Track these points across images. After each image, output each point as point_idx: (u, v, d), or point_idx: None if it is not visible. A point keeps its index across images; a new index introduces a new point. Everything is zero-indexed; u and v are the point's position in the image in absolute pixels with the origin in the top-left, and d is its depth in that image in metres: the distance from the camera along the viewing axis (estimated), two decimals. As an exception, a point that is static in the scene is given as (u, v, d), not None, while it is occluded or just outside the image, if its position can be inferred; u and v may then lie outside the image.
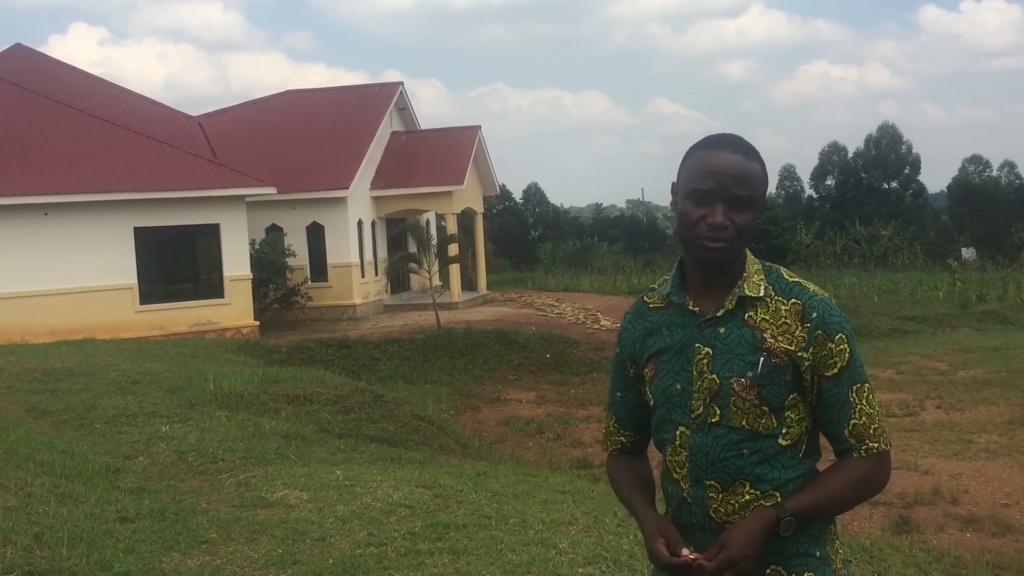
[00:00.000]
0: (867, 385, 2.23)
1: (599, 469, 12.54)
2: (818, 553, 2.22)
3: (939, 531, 8.89)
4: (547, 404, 18.25)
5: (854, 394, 2.20)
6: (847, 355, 2.19)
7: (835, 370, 2.19)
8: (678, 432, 2.29)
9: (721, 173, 2.20)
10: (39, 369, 13.29)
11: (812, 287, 2.25)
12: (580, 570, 5.04)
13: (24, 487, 6.22)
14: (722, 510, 2.22)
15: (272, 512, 6.21)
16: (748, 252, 2.31)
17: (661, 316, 2.36)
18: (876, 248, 51.00)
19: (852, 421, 2.20)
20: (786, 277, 2.28)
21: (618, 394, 2.50)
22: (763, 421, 2.20)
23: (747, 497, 2.20)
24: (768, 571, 2.19)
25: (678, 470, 2.30)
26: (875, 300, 34.34)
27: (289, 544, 5.51)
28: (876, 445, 2.20)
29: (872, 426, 2.20)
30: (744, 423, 2.20)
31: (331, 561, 5.20)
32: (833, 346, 2.19)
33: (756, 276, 2.27)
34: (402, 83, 34.82)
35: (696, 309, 2.29)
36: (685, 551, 2.17)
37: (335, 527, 5.83)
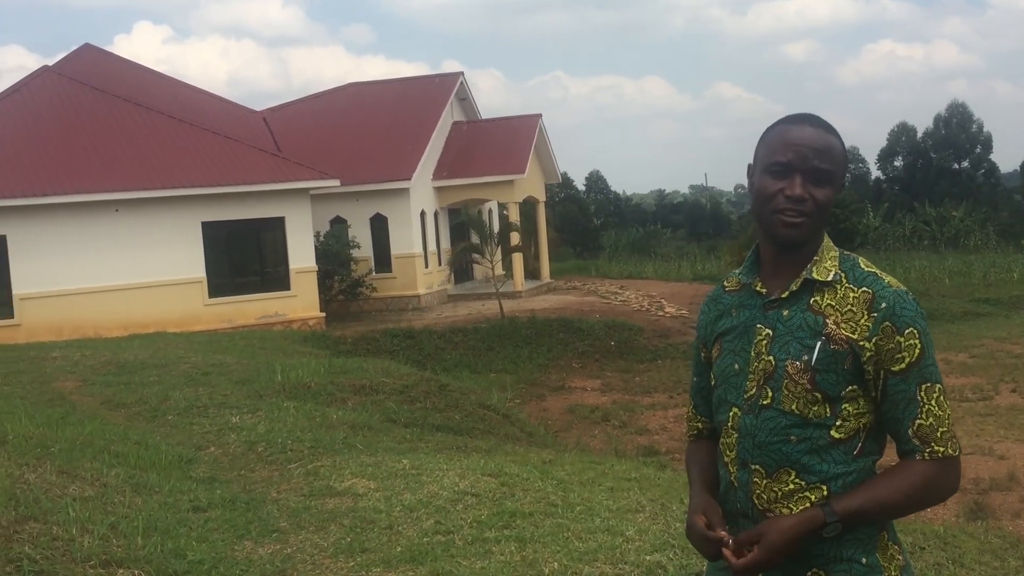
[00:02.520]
0: (939, 387, 2.12)
1: (665, 456, 12.49)
2: (864, 560, 2.12)
3: (1015, 517, 8.71)
4: (612, 392, 18.21)
5: (922, 393, 2.10)
6: (917, 351, 2.10)
7: (903, 365, 2.10)
8: (731, 413, 2.26)
9: (802, 145, 2.17)
10: (113, 362, 13.57)
11: (889, 279, 2.17)
12: (647, 557, 5.01)
13: (100, 477, 6.36)
14: (765, 497, 2.17)
15: (340, 501, 6.27)
16: (827, 238, 2.26)
17: (733, 298, 2.35)
18: (947, 230, 49.95)
19: (918, 421, 2.10)
20: (862, 266, 2.21)
21: (695, 379, 2.50)
22: (815, 408, 2.13)
23: (791, 486, 2.14)
24: (809, 574, 2.13)
25: (728, 452, 2.26)
26: (947, 283, 33.67)
27: (358, 532, 5.56)
28: (942, 449, 2.10)
29: (940, 429, 2.10)
30: (794, 408, 2.14)
31: (399, 549, 5.23)
32: (902, 340, 2.10)
33: (829, 262, 2.21)
34: (462, 73, 34.89)
35: (763, 290, 2.27)
36: (723, 533, 2.15)
37: (402, 515, 5.87)
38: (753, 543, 2.11)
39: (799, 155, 2.16)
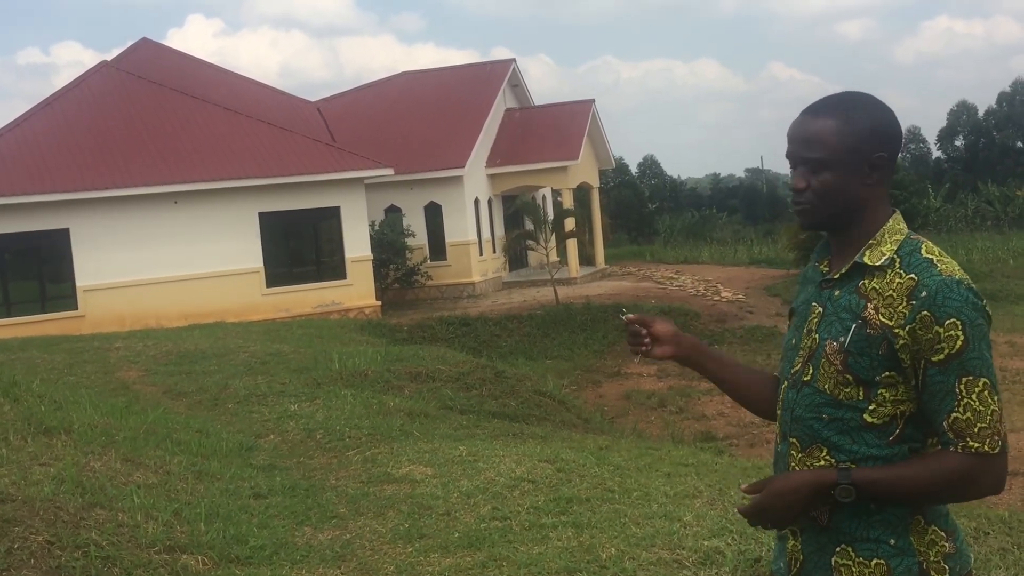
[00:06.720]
0: (983, 381, 2.04)
1: (723, 442, 12.42)
2: (893, 542, 2.11)
3: (1084, 502, 8.52)
4: (669, 377, 18.12)
5: (961, 386, 2.04)
6: (959, 343, 2.03)
7: (941, 356, 2.05)
8: (783, 386, 2.32)
9: (792, 138, 2.25)
10: (174, 352, 13.79)
11: (943, 267, 2.10)
12: (705, 543, 4.98)
13: (163, 465, 6.47)
14: (799, 469, 2.20)
15: (398, 487, 6.32)
16: (895, 220, 2.23)
17: (811, 275, 2.40)
18: (1011, 209, 48.84)
19: (954, 414, 2.05)
20: (923, 252, 2.15)
21: None
22: (847, 390, 2.13)
23: (822, 463, 2.16)
24: (838, 549, 2.15)
25: (778, 425, 2.33)
26: (1010, 264, 32.97)
27: (416, 518, 5.60)
28: (977, 445, 2.03)
29: (978, 424, 2.04)
30: (827, 387, 2.16)
31: (456, 535, 5.26)
32: (941, 331, 2.04)
33: (887, 245, 2.18)
34: (514, 60, 34.85)
35: (825, 270, 2.30)
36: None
37: (460, 502, 5.90)
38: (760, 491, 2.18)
39: (791, 149, 2.25)
